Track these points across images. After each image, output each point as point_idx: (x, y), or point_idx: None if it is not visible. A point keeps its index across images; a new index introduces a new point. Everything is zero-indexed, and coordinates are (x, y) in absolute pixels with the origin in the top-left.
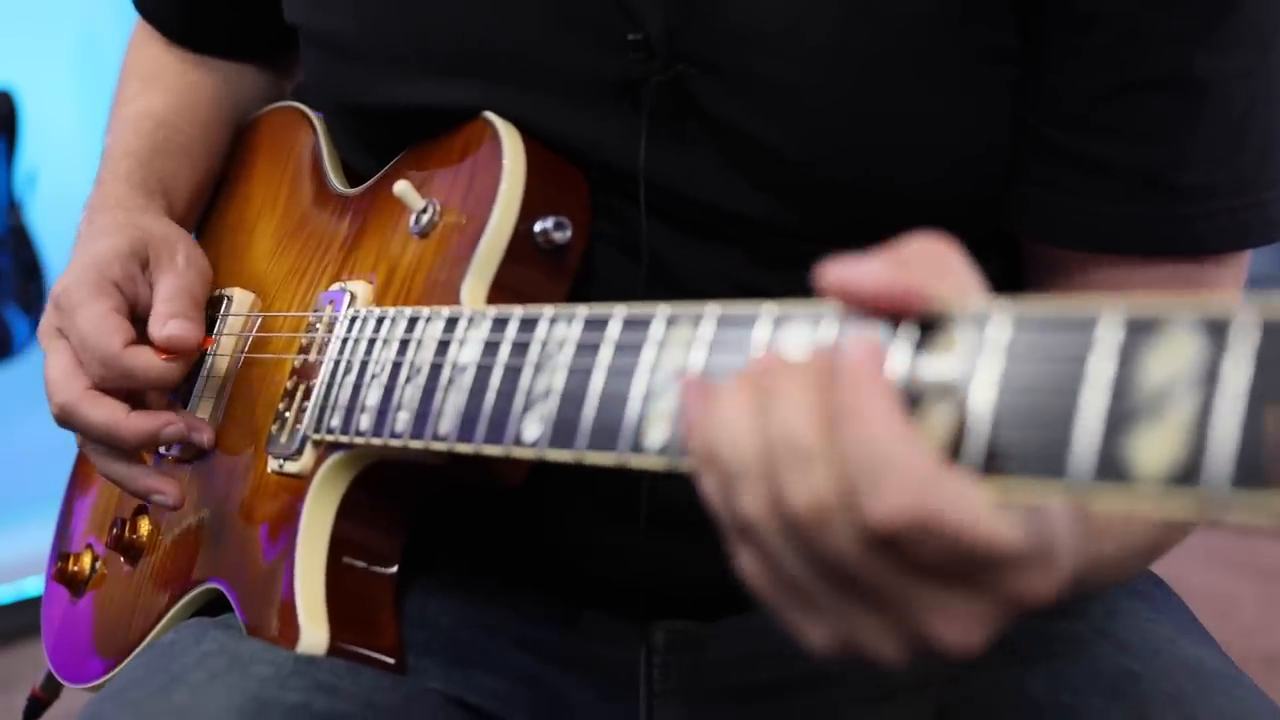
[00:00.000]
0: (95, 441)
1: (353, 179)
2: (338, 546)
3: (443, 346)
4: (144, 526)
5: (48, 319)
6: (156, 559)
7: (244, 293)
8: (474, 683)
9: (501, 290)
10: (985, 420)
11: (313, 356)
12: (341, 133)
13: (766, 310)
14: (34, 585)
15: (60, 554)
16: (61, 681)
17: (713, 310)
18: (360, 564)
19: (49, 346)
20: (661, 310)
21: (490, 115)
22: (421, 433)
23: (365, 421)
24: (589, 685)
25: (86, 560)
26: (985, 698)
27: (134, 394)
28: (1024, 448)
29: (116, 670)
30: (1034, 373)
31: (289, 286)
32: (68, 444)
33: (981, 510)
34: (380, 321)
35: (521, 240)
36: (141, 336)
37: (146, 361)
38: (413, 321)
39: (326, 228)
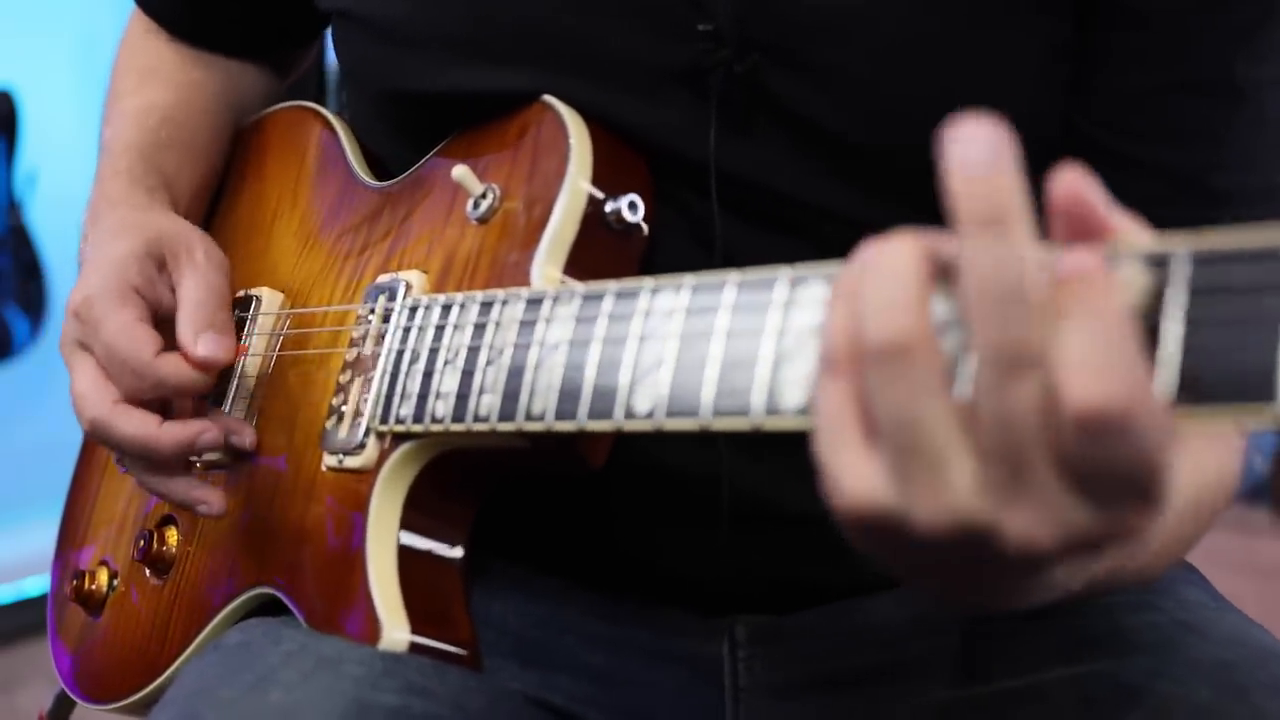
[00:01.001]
0: (131, 455)
1: (381, 172)
2: (407, 539)
3: (526, 327)
4: (172, 537)
5: (69, 331)
6: (190, 569)
7: (272, 292)
8: (551, 683)
9: (573, 271)
10: (1174, 351)
11: (368, 349)
12: (377, 121)
13: None
14: (34, 585)
15: (75, 573)
16: (82, 703)
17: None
18: (430, 557)
19: (73, 360)
20: (783, 272)
21: (549, 98)
22: (512, 414)
23: (442, 408)
24: (669, 682)
25: (103, 577)
26: (1082, 689)
27: (165, 403)
28: (1214, 377)
29: (166, 677)
30: (1223, 306)
31: (325, 282)
32: (68, 444)
33: (1169, 429)
34: (447, 308)
35: (592, 221)
36: (168, 339)
37: (178, 369)
38: (487, 305)
39: (361, 222)
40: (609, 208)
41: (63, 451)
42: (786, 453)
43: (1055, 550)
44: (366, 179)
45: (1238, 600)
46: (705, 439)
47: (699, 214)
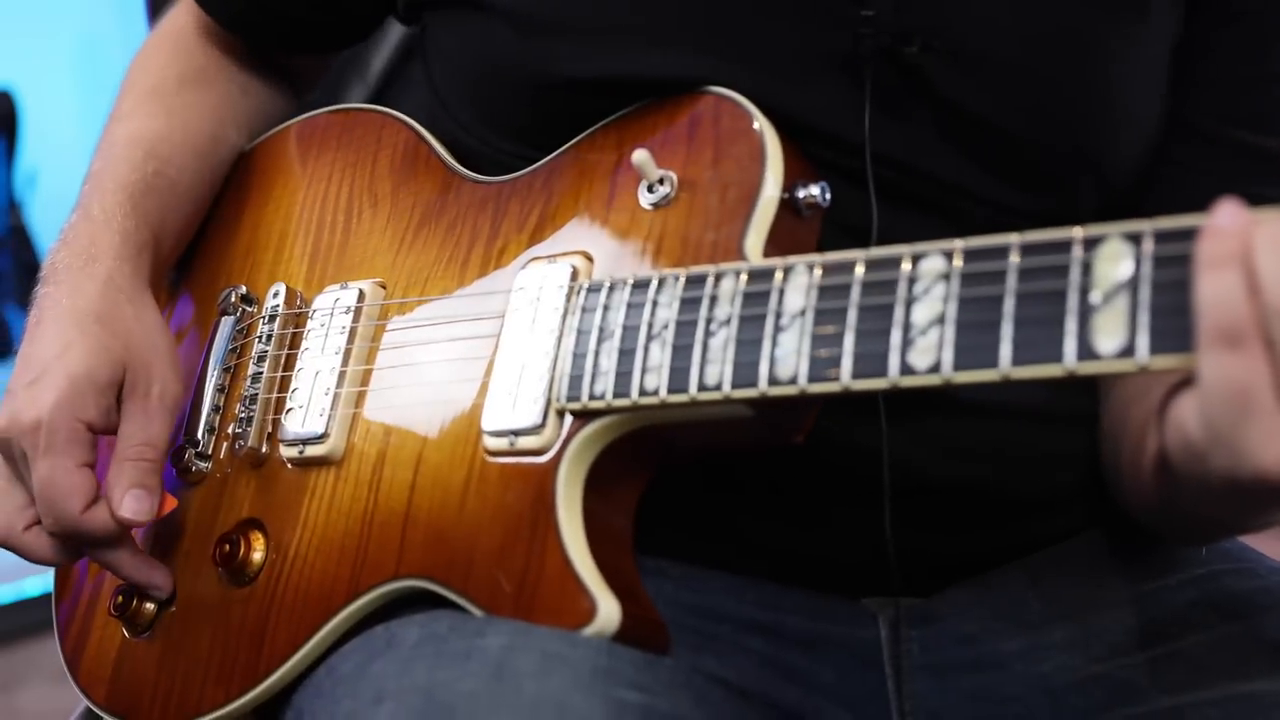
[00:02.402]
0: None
1: (474, 167)
2: (592, 517)
3: (753, 299)
4: (258, 541)
5: (9, 429)
6: (291, 570)
7: (373, 284)
8: (729, 663)
9: (770, 251)
10: None
11: (534, 330)
12: (483, 110)
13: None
14: (34, 585)
15: (117, 589)
16: None
17: (1138, 226)
18: (612, 534)
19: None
20: (1075, 233)
21: (720, 89)
22: (751, 380)
23: (653, 381)
24: (829, 668)
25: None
26: (1231, 647)
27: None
28: None
29: (273, 681)
30: None
31: (444, 273)
32: None
33: None
34: (641, 286)
35: (785, 206)
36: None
37: (104, 524)
38: (695, 281)
39: (479, 214)
40: (800, 194)
41: None
42: (935, 427)
43: None
44: (472, 174)
45: None
46: (869, 415)
47: (848, 198)
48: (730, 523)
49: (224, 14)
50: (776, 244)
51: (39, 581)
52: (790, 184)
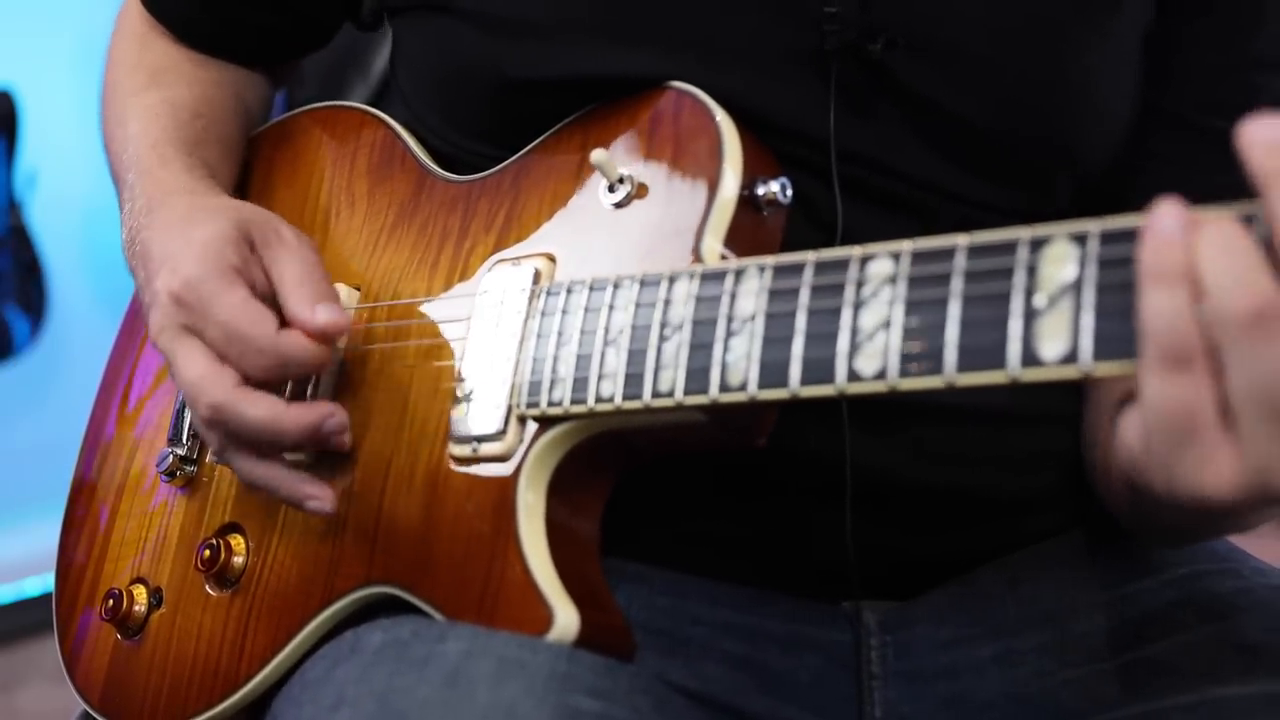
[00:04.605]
0: (248, 442)
1: (448, 168)
2: (553, 524)
3: (705, 303)
4: (239, 545)
5: (167, 318)
6: (269, 575)
7: (347, 288)
8: (697, 671)
9: (730, 251)
10: None
11: (494, 335)
12: (451, 112)
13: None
14: (34, 585)
15: (113, 592)
16: None
17: (1085, 226)
18: (575, 540)
19: (176, 347)
20: (1022, 234)
21: (680, 85)
22: (703, 387)
23: (609, 387)
24: (804, 670)
25: (141, 595)
26: (1205, 650)
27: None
28: None
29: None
30: None
31: (415, 275)
32: (68, 444)
33: None
34: (598, 289)
35: (745, 204)
36: None
37: (302, 344)
38: (650, 284)
39: (450, 214)
40: (760, 191)
41: (63, 451)
42: (903, 429)
43: None
44: (445, 174)
45: None
46: (829, 418)
47: (815, 195)
48: (708, 527)
49: (179, 25)
50: (736, 243)
51: (39, 581)
52: (750, 181)
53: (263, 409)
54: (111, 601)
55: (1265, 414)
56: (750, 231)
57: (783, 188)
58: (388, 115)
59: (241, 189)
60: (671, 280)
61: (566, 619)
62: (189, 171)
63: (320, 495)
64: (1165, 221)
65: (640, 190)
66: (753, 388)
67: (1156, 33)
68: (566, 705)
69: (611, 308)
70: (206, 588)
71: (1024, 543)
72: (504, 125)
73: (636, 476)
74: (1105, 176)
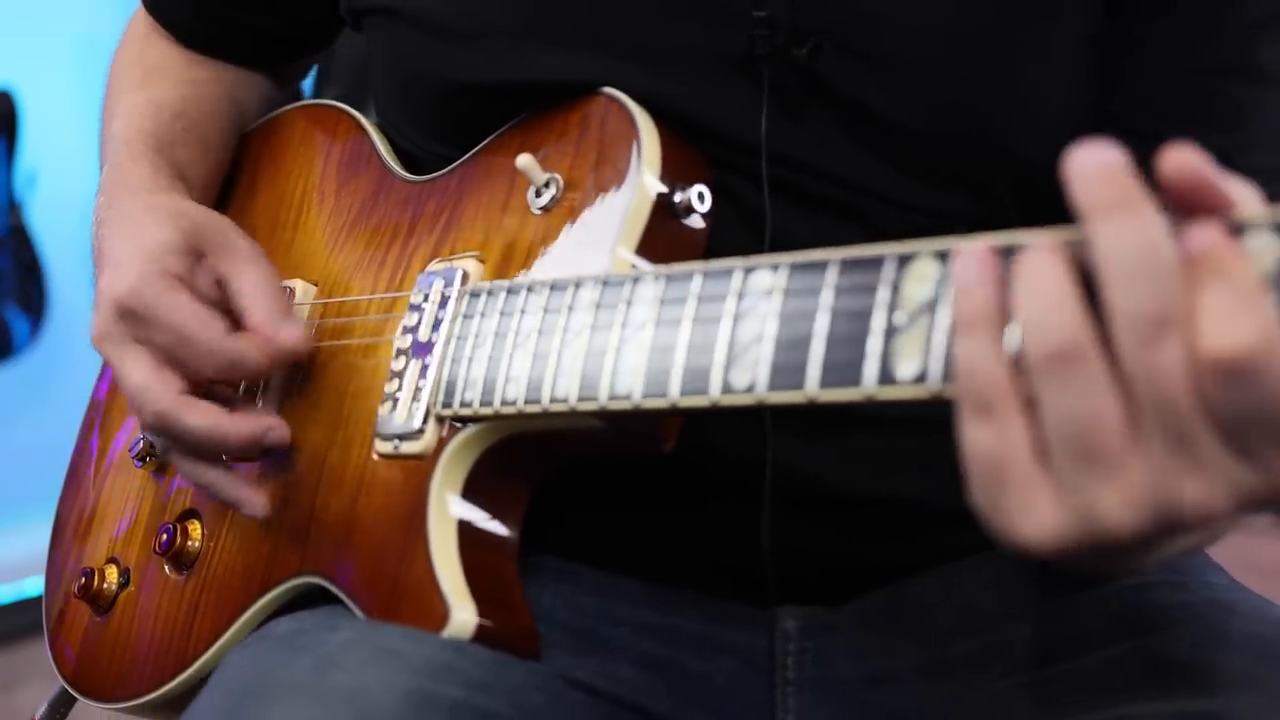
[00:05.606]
0: (190, 448)
1: (411, 168)
2: (466, 524)
3: (604, 310)
4: (195, 531)
5: (111, 326)
6: (218, 562)
7: (305, 284)
8: (610, 671)
9: (643, 258)
10: None
11: (424, 335)
12: (414, 114)
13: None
14: (34, 585)
15: (82, 571)
16: (88, 702)
17: (949, 244)
18: (487, 541)
19: (121, 354)
20: (888, 250)
21: (611, 91)
22: (593, 394)
23: (513, 390)
24: (720, 673)
25: (113, 575)
26: (1122, 664)
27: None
28: None
29: (193, 671)
30: None
31: (365, 273)
32: (67, 444)
33: None
34: (513, 293)
35: (661, 211)
36: None
37: (254, 351)
38: (558, 289)
39: (402, 214)
40: (678, 198)
41: (63, 451)
42: (834, 434)
43: (1228, 513)
44: (404, 174)
45: None
46: (753, 421)
47: (749, 199)
48: (637, 526)
49: (175, 27)
50: (653, 249)
51: (39, 581)
52: (669, 187)
53: (204, 418)
54: (84, 579)
55: (1077, 454)
56: (668, 238)
57: (700, 195)
58: (363, 115)
59: (228, 183)
60: (577, 286)
61: (462, 617)
62: (154, 170)
63: (254, 500)
64: (963, 269)
65: (565, 195)
66: (637, 396)
67: (1110, 35)
68: (424, 691)
69: (523, 312)
70: (165, 570)
71: (966, 553)
72: (457, 128)
73: (571, 474)
74: (1053, 183)
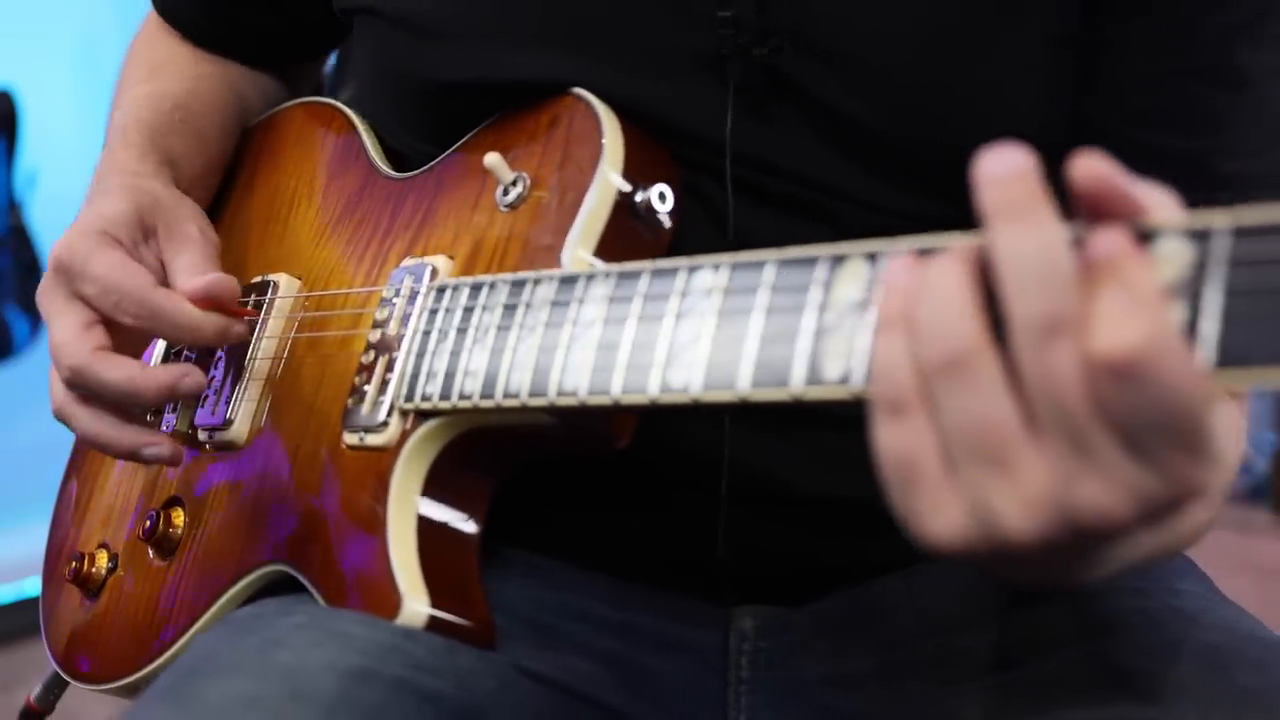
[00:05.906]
0: (109, 404)
1: (399, 166)
2: (425, 518)
3: (558, 307)
4: (178, 518)
5: (50, 281)
6: (197, 548)
7: (289, 277)
8: (566, 664)
9: (604, 256)
10: (1215, 318)
11: (392, 330)
12: (398, 116)
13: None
14: (34, 585)
15: (74, 555)
16: (77, 684)
17: (877, 246)
18: (448, 534)
19: (55, 309)
20: (823, 251)
21: (580, 91)
22: (544, 390)
23: (471, 385)
24: (676, 670)
25: (103, 560)
26: (1074, 669)
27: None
28: (1253, 341)
29: (170, 654)
30: (1263, 276)
31: (345, 268)
32: (67, 444)
33: (1202, 381)
34: (476, 289)
35: (622, 210)
36: None
37: (180, 304)
38: (518, 285)
39: (383, 211)
40: (639, 197)
41: (62, 451)
42: (791, 434)
43: (1130, 518)
44: (388, 170)
45: (1238, 600)
46: (712, 418)
47: (716, 199)
48: (600, 521)
49: (182, 25)
50: (613, 249)
51: (39, 581)
52: (632, 186)
53: (120, 371)
54: (75, 563)
55: (973, 456)
56: (628, 237)
57: (661, 195)
58: (356, 113)
59: (230, 177)
60: (535, 283)
61: (414, 607)
62: (141, 155)
63: (158, 442)
64: (890, 272)
65: (531, 193)
66: (583, 393)
67: (1086, 37)
68: (365, 669)
69: (484, 308)
70: (150, 555)
71: (927, 556)
72: (440, 127)
73: (539, 469)
74: None
